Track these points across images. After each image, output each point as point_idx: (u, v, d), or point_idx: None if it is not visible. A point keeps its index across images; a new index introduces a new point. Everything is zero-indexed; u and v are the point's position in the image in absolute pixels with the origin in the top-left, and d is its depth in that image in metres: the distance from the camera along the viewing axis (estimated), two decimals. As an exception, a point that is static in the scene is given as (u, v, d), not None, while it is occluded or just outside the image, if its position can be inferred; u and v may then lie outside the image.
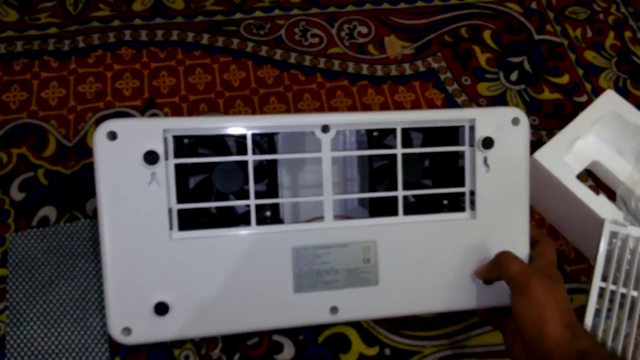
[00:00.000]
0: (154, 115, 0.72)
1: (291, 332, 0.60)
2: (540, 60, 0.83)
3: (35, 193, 0.65)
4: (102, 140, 0.47)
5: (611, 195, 0.70)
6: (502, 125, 0.53)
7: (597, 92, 0.80)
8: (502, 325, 0.53)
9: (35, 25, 0.78)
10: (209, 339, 0.59)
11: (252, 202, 0.50)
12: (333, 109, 0.75)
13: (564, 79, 0.82)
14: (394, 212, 0.53)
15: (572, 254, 0.68)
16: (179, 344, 0.58)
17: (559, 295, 0.48)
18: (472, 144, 0.53)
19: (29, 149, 0.68)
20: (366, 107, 0.76)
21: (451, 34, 0.84)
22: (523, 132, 0.53)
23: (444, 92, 0.78)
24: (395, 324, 0.62)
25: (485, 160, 0.53)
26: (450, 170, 0.55)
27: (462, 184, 0.54)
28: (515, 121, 0.53)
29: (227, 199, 0.52)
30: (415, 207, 0.55)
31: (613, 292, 0.57)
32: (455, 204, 0.55)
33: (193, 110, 0.73)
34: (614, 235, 0.59)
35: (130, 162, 0.47)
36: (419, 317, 0.62)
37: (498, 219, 0.54)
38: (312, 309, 0.52)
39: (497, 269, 0.52)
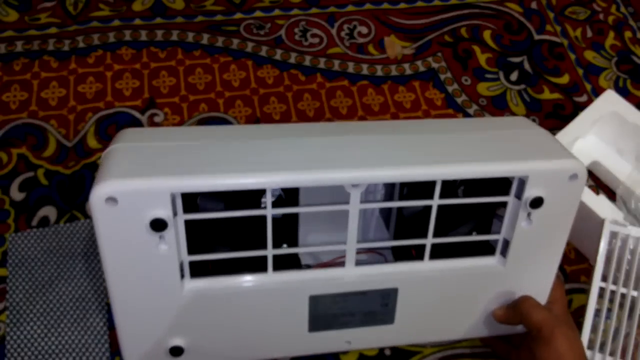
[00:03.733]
0: (153, 115, 0.72)
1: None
2: (540, 60, 0.83)
3: (35, 193, 0.65)
4: (101, 204, 0.40)
5: (611, 195, 0.70)
6: (557, 183, 0.46)
7: (597, 92, 0.80)
8: (508, 356, 0.54)
9: (35, 25, 0.78)
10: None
11: (270, 252, 0.46)
12: (333, 109, 0.75)
13: (564, 79, 0.82)
14: (418, 250, 0.49)
15: (572, 254, 0.68)
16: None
17: (577, 346, 0.49)
18: (518, 197, 0.46)
19: (29, 149, 0.68)
20: (366, 107, 0.76)
21: (451, 34, 0.84)
22: (578, 188, 0.46)
23: (444, 92, 0.78)
24: (395, 324, 0.62)
25: (529, 215, 0.47)
26: (487, 206, 0.50)
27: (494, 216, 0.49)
28: (573, 177, 0.46)
29: (242, 229, 0.49)
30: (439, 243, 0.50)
31: (613, 292, 0.57)
32: (485, 241, 0.51)
33: (193, 110, 0.73)
34: (614, 235, 0.59)
35: (134, 227, 0.42)
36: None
37: (528, 268, 0.50)
38: (326, 344, 0.51)
39: (518, 314, 0.51)
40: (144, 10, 0.81)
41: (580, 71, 0.83)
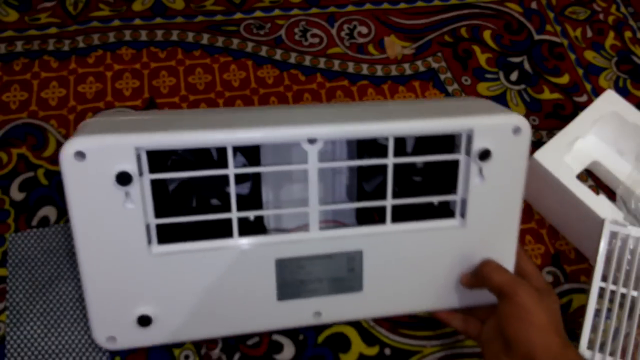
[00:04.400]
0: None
1: (291, 332, 0.60)
2: (540, 60, 0.83)
3: (35, 193, 0.65)
4: (70, 160, 0.43)
5: (611, 195, 0.70)
6: (502, 136, 0.49)
7: (597, 92, 0.80)
8: (479, 335, 0.53)
9: (35, 25, 0.78)
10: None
11: (235, 214, 0.47)
12: (333, 109, 0.75)
13: (564, 79, 0.82)
14: (381, 217, 0.51)
15: (572, 254, 0.68)
16: (179, 343, 0.58)
17: (550, 305, 0.48)
18: (468, 153, 0.50)
19: (29, 149, 0.68)
20: (366, 107, 0.76)
21: (451, 34, 0.84)
22: (523, 141, 0.50)
23: (444, 92, 0.78)
24: (396, 323, 0.62)
25: (480, 170, 0.50)
26: (443, 168, 0.52)
27: (455, 183, 0.51)
28: (517, 130, 0.49)
29: (208, 201, 0.50)
30: (402, 207, 0.52)
31: (613, 292, 0.57)
32: (445, 203, 0.53)
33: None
34: (614, 235, 0.59)
35: (102, 182, 0.44)
36: (419, 317, 0.62)
37: (488, 228, 0.52)
38: (296, 315, 0.52)
39: (480, 278, 0.51)
40: (144, 10, 0.81)
41: (580, 71, 0.83)
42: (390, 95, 0.77)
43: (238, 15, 0.82)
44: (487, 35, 0.84)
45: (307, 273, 0.50)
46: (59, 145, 0.68)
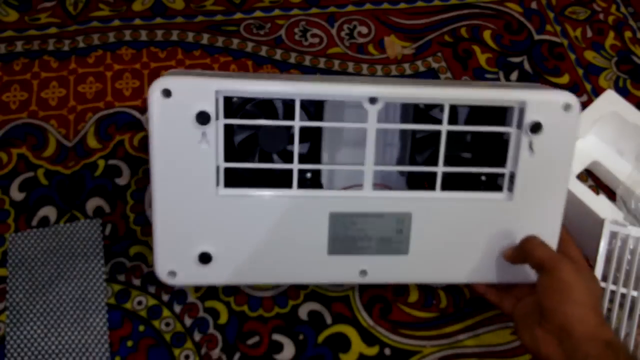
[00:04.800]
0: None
1: (291, 332, 0.60)
2: (540, 60, 0.83)
3: (35, 193, 0.65)
4: (157, 96, 0.47)
5: (611, 195, 0.70)
6: (553, 111, 0.51)
7: (597, 92, 0.80)
8: (513, 311, 0.54)
9: (35, 25, 0.78)
10: (209, 338, 0.59)
11: (295, 166, 0.51)
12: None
13: (564, 79, 0.82)
14: (431, 185, 0.53)
15: (572, 254, 0.68)
16: (179, 343, 0.58)
17: (590, 282, 0.48)
18: (519, 126, 0.52)
19: (29, 149, 0.68)
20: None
21: (451, 34, 0.84)
22: (573, 118, 0.52)
23: (444, 92, 0.78)
24: (395, 323, 0.62)
25: (530, 144, 0.52)
26: (493, 145, 0.55)
27: (503, 161, 0.53)
28: (567, 107, 0.51)
29: (270, 157, 0.54)
30: (451, 180, 0.55)
31: (613, 292, 0.57)
32: (493, 180, 0.55)
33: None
34: (614, 235, 0.59)
35: (182, 120, 0.48)
36: (419, 317, 0.62)
37: (534, 204, 0.54)
38: (343, 270, 0.54)
39: (523, 252, 0.52)
40: (144, 10, 0.81)
41: (580, 71, 0.83)
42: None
43: (238, 15, 0.82)
44: (487, 35, 0.84)
45: (358, 230, 0.53)
46: (59, 145, 0.68)
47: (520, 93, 0.52)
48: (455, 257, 0.55)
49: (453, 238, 0.54)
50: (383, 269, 0.55)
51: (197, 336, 0.59)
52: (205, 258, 0.52)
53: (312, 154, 0.56)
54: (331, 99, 0.52)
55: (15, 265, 0.60)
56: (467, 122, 0.56)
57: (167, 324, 0.59)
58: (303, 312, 0.61)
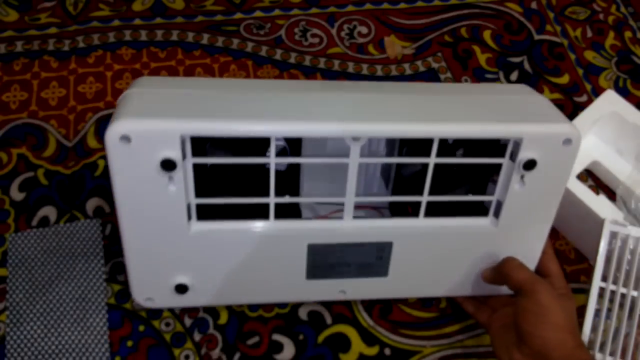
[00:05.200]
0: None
1: (291, 332, 0.60)
2: (540, 60, 0.83)
3: (35, 193, 0.65)
4: (115, 142, 0.43)
5: (611, 195, 0.70)
6: (551, 146, 0.47)
7: (597, 92, 0.80)
8: (489, 323, 0.55)
9: (35, 25, 0.78)
10: (209, 338, 0.59)
11: (272, 200, 0.49)
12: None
13: (564, 79, 0.82)
14: (414, 206, 0.51)
15: (572, 254, 0.68)
16: (179, 343, 0.58)
17: (567, 306, 0.49)
18: (512, 159, 0.49)
19: (29, 149, 0.68)
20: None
21: (451, 34, 0.84)
22: (572, 152, 0.48)
23: (444, 92, 0.78)
24: (395, 323, 0.62)
25: (522, 177, 0.49)
26: (483, 172, 0.53)
27: (490, 177, 0.51)
28: (567, 141, 0.47)
29: (245, 171, 0.51)
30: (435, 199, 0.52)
31: (613, 292, 0.57)
32: (479, 202, 0.54)
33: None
34: (614, 235, 0.59)
35: (146, 166, 0.44)
36: (419, 317, 0.62)
37: (519, 230, 0.52)
38: (322, 291, 0.54)
39: (502, 274, 0.52)
40: (144, 10, 0.81)
41: (580, 71, 0.83)
42: (390, 95, 0.77)
43: (238, 15, 0.82)
44: (487, 35, 0.84)
45: (337, 257, 0.52)
46: (59, 145, 0.68)
47: (517, 127, 0.47)
48: (434, 275, 0.55)
49: (433, 260, 0.54)
50: (362, 289, 0.55)
51: (197, 336, 0.59)
52: (181, 288, 0.51)
53: (291, 173, 0.53)
54: (310, 136, 0.49)
55: (15, 265, 0.60)
56: (456, 142, 0.53)
57: (167, 324, 0.59)
58: (303, 312, 0.61)
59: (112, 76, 0.74)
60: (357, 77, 0.78)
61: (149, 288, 0.52)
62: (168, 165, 0.44)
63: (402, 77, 0.79)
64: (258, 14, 0.82)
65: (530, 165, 0.47)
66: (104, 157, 0.68)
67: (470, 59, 0.82)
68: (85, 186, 0.66)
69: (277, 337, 0.60)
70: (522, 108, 0.50)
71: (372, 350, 0.60)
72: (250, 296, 0.54)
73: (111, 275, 0.61)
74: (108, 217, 0.64)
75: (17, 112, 0.70)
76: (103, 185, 0.66)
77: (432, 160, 0.48)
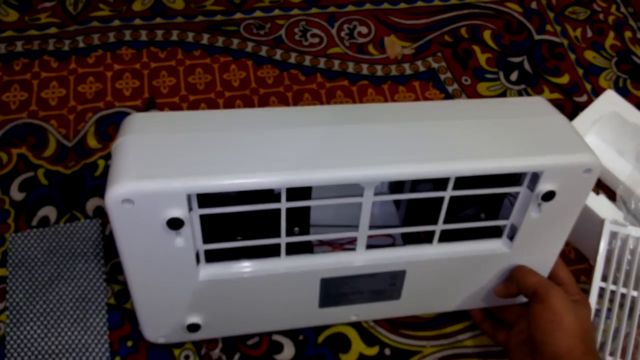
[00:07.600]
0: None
1: (291, 332, 0.60)
2: (540, 60, 0.83)
3: (35, 193, 0.65)
4: (117, 205, 0.40)
5: (611, 195, 0.70)
6: (571, 177, 0.46)
7: (597, 92, 0.80)
8: (507, 341, 0.55)
9: (35, 25, 0.78)
10: (209, 339, 0.59)
11: (283, 240, 0.47)
12: (333, 109, 0.75)
13: (564, 79, 0.82)
14: (426, 235, 0.51)
15: (572, 254, 0.68)
16: (179, 344, 0.58)
17: (580, 313, 0.49)
18: (530, 188, 0.47)
19: (29, 149, 0.68)
20: (366, 107, 0.76)
21: (451, 34, 0.84)
22: (590, 181, 0.47)
23: (444, 92, 0.78)
24: (395, 323, 0.62)
25: (539, 205, 0.48)
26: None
27: (503, 199, 0.51)
28: (587, 171, 0.46)
29: (255, 214, 0.49)
30: (447, 218, 0.50)
31: (613, 292, 0.57)
32: (493, 216, 0.53)
33: (193, 110, 0.73)
34: (614, 235, 0.59)
35: (151, 226, 0.42)
36: (419, 317, 0.62)
37: (533, 251, 0.53)
38: (335, 316, 0.55)
39: (515, 283, 0.53)
40: (144, 10, 0.81)
41: (580, 71, 0.83)
42: (390, 96, 0.77)
43: (238, 15, 0.82)
44: (487, 35, 0.84)
45: (349, 287, 0.52)
46: (59, 145, 0.68)
47: (538, 160, 0.45)
48: (447, 293, 0.56)
49: (447, 282, 0.54)
50: (374, 311, 0.56)
51: (197, 336, 0.59)
52: (193, 327, 0.51)
53: (301, 208, 0.49)
54: (322, 185, 0.44)
55: (15, 265, 0.60)
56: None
57: (167, 324, 0.59)
58: (303, 312, 0.61)
59: (112, 76, 0.74)
60: (357, 77, 0.78)
61: (160, 329, 0.52)
62: (175, 224, 0.42)
63: (402, 77, 0.79)
64: (258, 14, 0.82)
65: (549, 196, 0.46)
66: (104, 157, 0.68)
67: (471, 59, 0.82)
68: (85, 186, 0.66)
69: (277, 337, 0.60)
70: (540, 134, 0.48)
71: (372, 351, 0.60)
72: (264, 325, 0.55)
73: (111, 275, 0.61)
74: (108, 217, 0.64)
75: (17, 112, 0.70)
76: (103, 185, 0.66)
77: (448, 193, 0.47)
